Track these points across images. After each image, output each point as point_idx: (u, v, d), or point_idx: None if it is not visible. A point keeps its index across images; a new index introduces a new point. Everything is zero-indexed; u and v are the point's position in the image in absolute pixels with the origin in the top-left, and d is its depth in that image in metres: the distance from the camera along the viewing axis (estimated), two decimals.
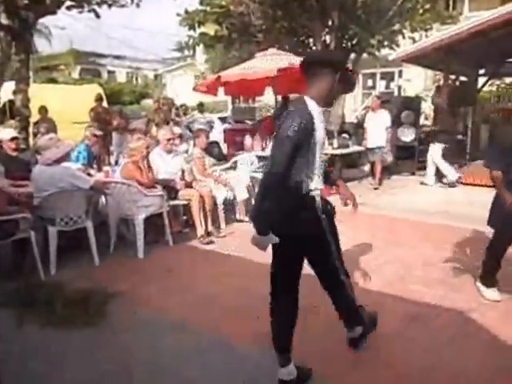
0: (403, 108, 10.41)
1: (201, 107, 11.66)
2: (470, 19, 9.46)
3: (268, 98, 11.80)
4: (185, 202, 5.79)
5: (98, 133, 6.81)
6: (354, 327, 3.13)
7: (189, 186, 5.91)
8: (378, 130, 9.06)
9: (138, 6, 9.27)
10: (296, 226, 2.51)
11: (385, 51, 12.79)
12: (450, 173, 9.21)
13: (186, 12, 12.60)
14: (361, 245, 5.47)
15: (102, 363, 3.07)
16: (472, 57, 10.26)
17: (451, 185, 9.14)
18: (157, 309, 3.85)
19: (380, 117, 9.13)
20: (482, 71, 12.21)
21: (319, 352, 3.14)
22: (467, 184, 9.10)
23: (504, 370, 2.95)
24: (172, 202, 5.69)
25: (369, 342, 3.22)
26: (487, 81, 12.79)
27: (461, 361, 3.05)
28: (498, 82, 15.02)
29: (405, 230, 6.13)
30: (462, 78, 11.79)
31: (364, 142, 9.51)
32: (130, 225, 5.53)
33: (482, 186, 8.77)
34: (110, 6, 8.59)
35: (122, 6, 8.90)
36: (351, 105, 16.15)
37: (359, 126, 9.50)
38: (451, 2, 20.49)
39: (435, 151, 9.25)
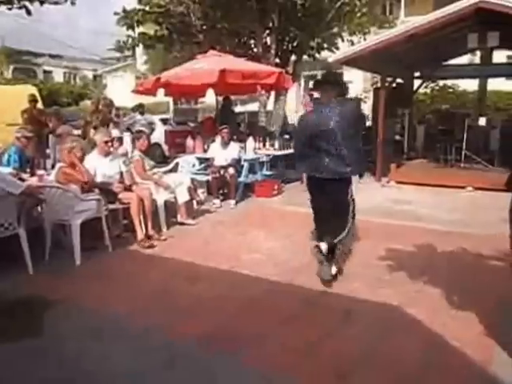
0: None
1: (141, 108, 11.42)
2: (406, 23, 9.81)
3: (211, 99, 11.74)
4: (124, 206, 5.63)
5: (29, 134, 6.51)
6: (334, 266, 4.31)
7: (128, 189, 5.76)
8: None
9: (73, 3, 8.94)
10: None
11: (325, 54, 13.05)
12: None
13: (124, 11, 12.30)
14: (303, 244, 5.54)
15: (46, 374, 2.94)
16: (407, 60, 10.64)
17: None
18: (97, 315, 3.72)
19: None
20: (417, 74, 12.69)
21: (268, 349, 3.16)
22: (404, 183, 9.42)
23: (434, 361, 3.05)
24: (111, 206, 5.53)
25: (308, 337, 3.30)
26: (422, 83, 13.34)
27: (394, 353, 3.13)
28: (432, 85, 15.68)
29: None
30: (399, 81, 12.21)
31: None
32: (66, 230, 5.32)
33: (419, 184, 9.15)
34: (42, 3, 8.21)
35: (56, 3, 8.55)
36: (293, 106, 16.36)
37: None
38: (388, 7, 21.26)
39: None
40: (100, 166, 5.65)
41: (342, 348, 3.22)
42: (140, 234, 5.49)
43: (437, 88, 15.95)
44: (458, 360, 3.04)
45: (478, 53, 12.65)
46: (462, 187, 8.80)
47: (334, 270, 4.32)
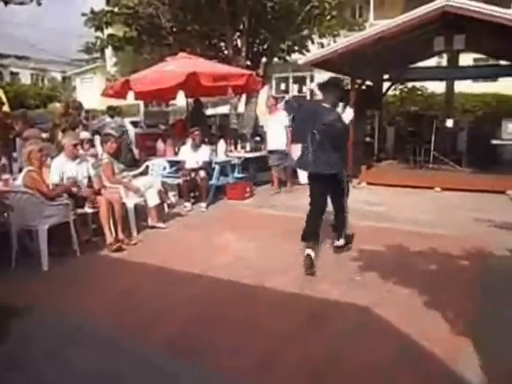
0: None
1: (111, 111, 11.22)
2: (375, 26, 9.91)
3: (182, 102, 11.64)
4: (93, 210, 5.52)
5: None
6: (340, 239, 5.12)
7: (97, 193, 5.65)
8: (277, 132, 8.70)
9: (39, 4, 8.73)
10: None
11: (296, 56, 13.10)
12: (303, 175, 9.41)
13: (92, 12, 12.07)
14: (270, 245, 5.56)
15: (15, 378, 2.89)
16: (376, 62, 10.77)
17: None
18: (64, 321, 3.64)
19: (277, 117, 8.83)
20: (386, 76, 12.85)
21: (237, 353, 3.13)
22: (375, 184, 9.50)
23: (403, 361, 3.08)
24: (79, 211, 5.41)
25: (278, 340, 3.29)
26: (391, 85, 13.53)
27: (363, 355, 3.14)
28: (401, 87, 15.91)
29: None
30: (369, 83, 12.34)
31: (264, 146, 9.38)
32: (33, 236, 5.17)
33: (389, 185, 9.27)
34: (6, 3, 8.01)
35: (21, 3, 8.35)
36: (264, 108, 16.39)
37: None
38: (357, 10, 21.54)
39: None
40: (67, 170, 5.53)
41: (311, 351, 3.21)
42: (109, 238, 5.40)
43: (405, 90, 16.16)
44: (428, 360, 3.07)
45: (445, 55, 12.91)
46: (431, 188, 8.96)
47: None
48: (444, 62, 14.03)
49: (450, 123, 10.83)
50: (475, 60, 15.51)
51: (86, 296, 4.19)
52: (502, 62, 12.33)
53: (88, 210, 5.55)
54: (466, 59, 13.22)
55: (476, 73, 13.44)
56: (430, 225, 6.37)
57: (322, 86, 5.31)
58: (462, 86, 14.91)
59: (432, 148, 10.46)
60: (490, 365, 2.97)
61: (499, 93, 16.76)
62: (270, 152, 8.93)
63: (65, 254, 5.17)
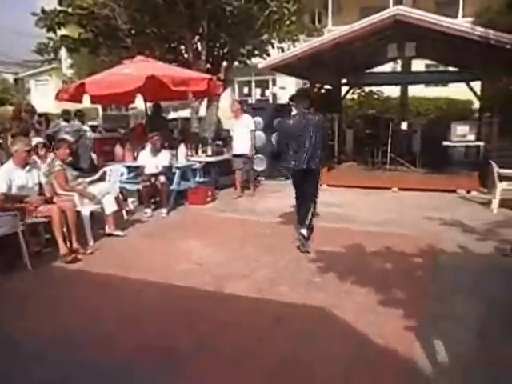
0: (276, 115, 10.72)
1: (66, 115, 10.86)
2: (333, 32, 10.08)
3: (142, 105, 11.41)
4: (44, 220, 5.29)
5: None
6: (305, 226, 5.41)
7: (49, 201, 5.43)
8: (242, 136, 8.78)
9: None
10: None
11: (256, 60, 13.14)
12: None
13: (43, 12, 11.62)
14: (232, 250, 5.56)
15: None
16: (334, 67, 10.95)
17: None
18: (13, 341, 3.46)
19: (242, 122, 8.87)
20: (344, 80, 13.08)
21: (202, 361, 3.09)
22: (336, 186, 9.58)
23: (355, 360, 3.13)
24: (28, 220, 5.17)
25: (239, 346, 3.27)
26: (349, 89, 13.79)
27: (321, 356, 3.17)
28: (358, 91, 16.23)
29: (277, 234, 6.28)
30: (327, 87, 12.52)
31: (228, 149, 9.42)
32: None
33: (349, 187, 9.42)
34: None
35: None
36: (227, 112, 16.37)
37: None
38: (316, 16, 21.89)
39: None
40: (16, 178, 5.24)
41: (272, 353, 3.21)
42: (63, 249, 5.18)
43: (363, 94, 16.50)
44: (383, 357, 3.14)
45: (400, 61, 13.28)
46: (388, 188, 9.18)
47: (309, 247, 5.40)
48: (399, 67, 14.42)
49: (404, 126, 11.15)
50: (427, 66, 16.04)
51: (38, 313, 4.00)
52: (451, 69, 12.82)
53: (36, 219, 5.28)
54: (419, 65, 13.62)
55: (428, 78, 13.96)
56: (386, 224, 6.52)
57: (295, 97, 6.23)
58: (416, 91, 15.38)
59: (389, 150, 10.70)
60: (444, 359, 3.07)
61: (450, 97, 17.39)
62: (235, 156, 8.94)
63: (14, 268, 4.91)
